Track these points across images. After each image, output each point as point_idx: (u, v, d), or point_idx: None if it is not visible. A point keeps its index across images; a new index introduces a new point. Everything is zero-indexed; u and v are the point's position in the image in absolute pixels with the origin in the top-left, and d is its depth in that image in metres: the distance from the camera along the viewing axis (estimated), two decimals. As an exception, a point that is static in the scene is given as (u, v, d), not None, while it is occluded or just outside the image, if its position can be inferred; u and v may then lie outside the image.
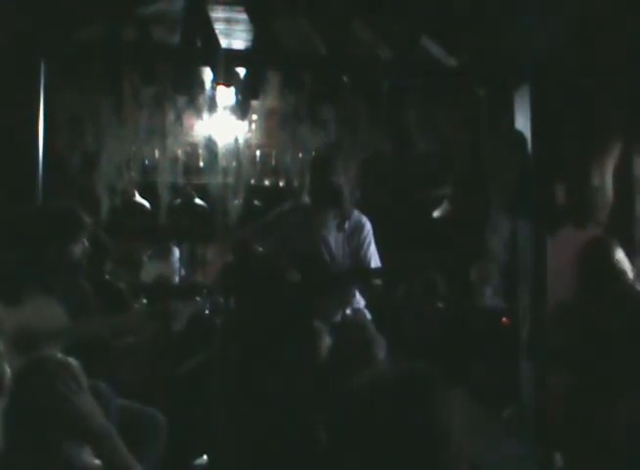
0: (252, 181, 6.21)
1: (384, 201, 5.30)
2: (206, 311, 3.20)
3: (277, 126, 5.89)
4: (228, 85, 3.79)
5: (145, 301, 4.33)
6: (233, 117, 5.34)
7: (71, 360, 1.63)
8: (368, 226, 3.68)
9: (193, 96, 3.92)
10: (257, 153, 6.37)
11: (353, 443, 1.19)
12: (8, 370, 1.42)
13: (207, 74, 3.75)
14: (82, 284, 2.86)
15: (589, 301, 3.15)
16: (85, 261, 2.82)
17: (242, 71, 3.74)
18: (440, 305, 4.87)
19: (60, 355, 1.67)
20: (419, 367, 1.26)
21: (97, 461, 1.67)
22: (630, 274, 3.19)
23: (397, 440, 1.15)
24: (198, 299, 3.07)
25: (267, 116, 6.02)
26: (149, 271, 5.20)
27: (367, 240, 3.65)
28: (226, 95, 4.40)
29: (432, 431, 1.16)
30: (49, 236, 2.74)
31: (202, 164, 6.24)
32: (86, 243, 2.80)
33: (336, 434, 1.23)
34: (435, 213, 5.66)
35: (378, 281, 3.71)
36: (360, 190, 4.14)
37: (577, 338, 3.06)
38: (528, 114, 3.77)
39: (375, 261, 3.65)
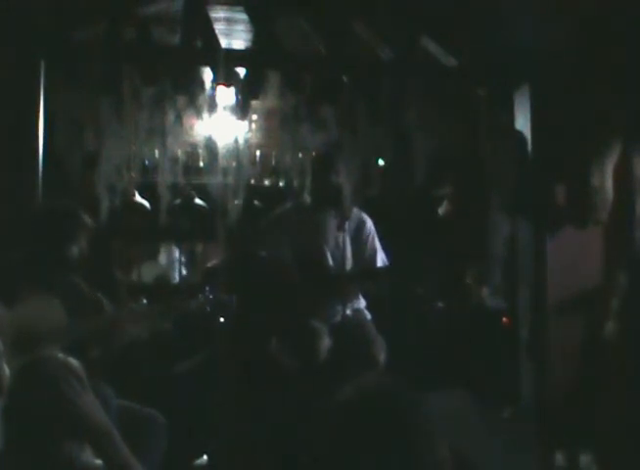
0: (252, 181, 6.20)
1: (384, 200, 5.30)
2: (208, 309, 3.19)
3: (277, 126, 5.87)
4: (228, 85, 3.79)
5: (145, 301, 4.32)
6: (233, 117, 5.34)
7: (72, 360, 1.63)
8: (369, 223, 3.68)
9: (193, 96, 3.92)
10: (257, 153, 6.37)
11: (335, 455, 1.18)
12: (8, 370, 1.42)
13: (207, 74, 3.75)
14: (78, 282, 2.86)
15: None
16: (84, 261, 2.82)
17: (242, 71, 3.75)
18: (440, 304, 4.87)
19: (60, 355, 1.67)
20: (386, 382, 1.24)
21: (97, 461, 1.67)
22: None
23: (370, 456, 1.14)
24: (200, 297, 3.06)
25: (267, 116, 6.01)
26: (149, 271, 5.20)
27: (370, 237, 3.65)
28: (226, 95, 4.39)
29: (403, 449, 1.15)
30: (48, 235, 2.75)
31: (202, 164, 6.23)
32: (85, 243, 2.80)
33: (319, 447, 1.23)
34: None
35: (380, 281, 3.71)
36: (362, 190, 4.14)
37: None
38: (528, 114, 3.77)
39: (381, 258, 3.64)
